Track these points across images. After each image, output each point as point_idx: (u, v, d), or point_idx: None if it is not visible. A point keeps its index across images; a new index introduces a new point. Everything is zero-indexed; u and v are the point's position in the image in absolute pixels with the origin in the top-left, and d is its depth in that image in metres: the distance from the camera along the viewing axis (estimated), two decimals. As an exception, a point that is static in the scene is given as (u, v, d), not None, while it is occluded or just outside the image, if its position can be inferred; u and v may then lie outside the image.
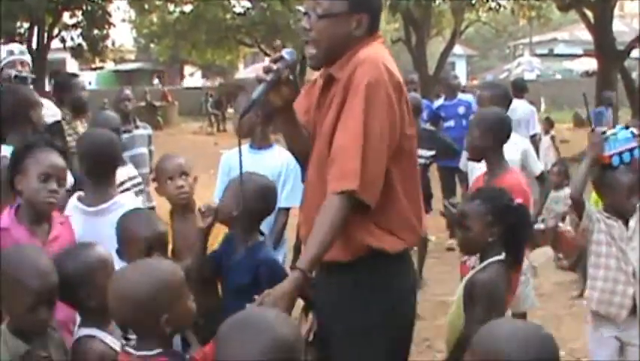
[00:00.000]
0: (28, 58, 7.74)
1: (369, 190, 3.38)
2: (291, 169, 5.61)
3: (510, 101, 7.14)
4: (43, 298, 3.30)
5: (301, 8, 3.65)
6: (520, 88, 12.81)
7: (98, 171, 4.81)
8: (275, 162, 5.65)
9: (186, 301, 3.16)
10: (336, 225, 3.36)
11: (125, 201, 4.75)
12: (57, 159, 4.20)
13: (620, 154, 5.07)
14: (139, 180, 6.16)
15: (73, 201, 4.75)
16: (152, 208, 5.28)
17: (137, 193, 5.72)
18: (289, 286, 3.27)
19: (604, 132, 5.19)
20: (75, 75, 8.76)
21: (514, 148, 6.50)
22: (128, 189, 5.61)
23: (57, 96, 7.75)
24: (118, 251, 4.08)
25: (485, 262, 4.38)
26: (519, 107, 11.29)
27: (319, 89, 3.71)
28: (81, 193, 4.85)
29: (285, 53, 3.55)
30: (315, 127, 3.70)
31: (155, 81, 48.23)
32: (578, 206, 5.20)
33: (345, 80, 3.47)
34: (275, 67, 3.46)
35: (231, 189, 4.39)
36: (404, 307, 3.76)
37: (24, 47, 8.31)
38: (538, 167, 6.99)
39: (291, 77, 3.57)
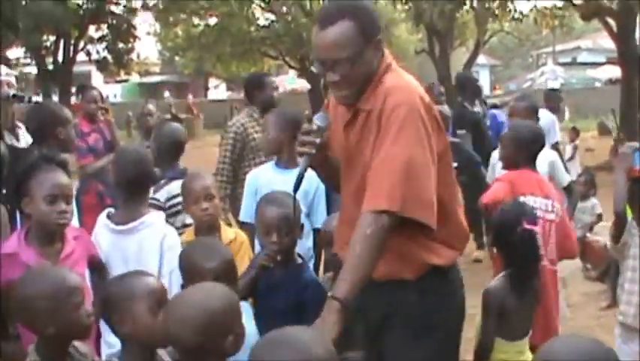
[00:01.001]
0: (13, 79, 7.78)
1: (422, 210, 3.41)
2: (320, 190, 5.64)
3: (537, 112, 7.20)
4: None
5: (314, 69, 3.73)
6: (552, 99, 12.79)
7: (130, 187, 4.84)
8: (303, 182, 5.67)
9: (242, 323, 3.15)
10: (374, 246, 3.34)
11: (154, 220, 4.77)
12: (61, 178, 4.16)
13: None
14: None
15: (102, 218, 4.81)
16: (189, 225, 5.28)
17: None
18: (333, 318, 3.23)
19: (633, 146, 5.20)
20: (267, 74, 8.74)
21: (542, 159, 6.53)
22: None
23: (248, 94, 7.87)
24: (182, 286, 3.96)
25: (497, 276, 4.54)
26: (541, 117, 11.33)
27: (344, 121, 3.70)
28: (111, 210, 4.91)
29: (318, 119, 3.64)
30: (344, 156, 3.76)
31: (166, 94, 48.01)
32: (620, 221, 5.20)
33: (377, 110, 3.50)
34: (311, 140, 3.59)
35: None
36: (461, 316, 3.86)
37: (8, 69, 8.45)
38: (565, 178, 7.03)
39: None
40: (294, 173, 5.55)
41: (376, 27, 3.60)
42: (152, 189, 5.53)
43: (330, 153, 3.79)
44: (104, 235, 4.73)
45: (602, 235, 10.35)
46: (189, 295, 3.19)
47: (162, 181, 5.87)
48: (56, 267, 3.76)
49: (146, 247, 4.61)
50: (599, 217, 10.81)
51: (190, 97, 46.93)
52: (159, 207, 5.63)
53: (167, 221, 5.31)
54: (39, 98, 30.46)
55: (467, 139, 10.08)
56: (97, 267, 4.50)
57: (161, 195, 5.81)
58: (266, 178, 5.68)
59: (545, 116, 11.93)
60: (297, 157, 5.64)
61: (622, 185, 5.12)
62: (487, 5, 24.85)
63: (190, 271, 3.93)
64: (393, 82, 3.56)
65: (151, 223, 4.71)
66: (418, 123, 3.42)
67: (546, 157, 6.74)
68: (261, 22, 37.16)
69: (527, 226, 4.52)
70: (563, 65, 55.37)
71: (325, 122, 3.64)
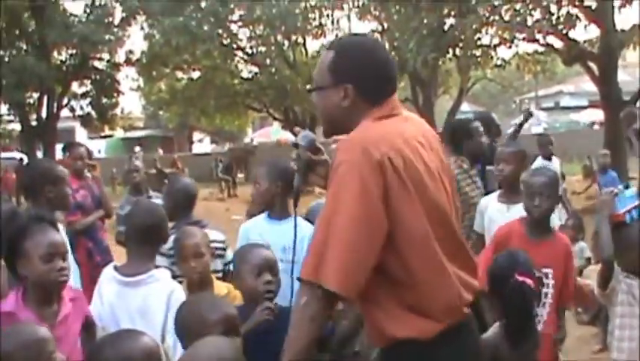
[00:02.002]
0: None
1: (333, 279, 3.16)
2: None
3: (524, 157, 7.17)
4: None
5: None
6: (544, 144, 12.91)
7: (140, 239, 4.85)
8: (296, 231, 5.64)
9: None
10: (306, 316, 3.24)
11: (161, 276, 4.76)
12: (55, 236, 4.14)
13: (629, 212, 5.07)
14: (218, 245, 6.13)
15: (109, 270, 4.79)
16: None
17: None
18: None
19: (612, 191, 5.20)
20: (471, 120, 8.42)
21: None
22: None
23: (454, 143, 7.47)
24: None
25: (493, 326, 4.49)
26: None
27: None
28: (117, 263, 4.93)
29: (301, 138, 3.71)
30: None
31: (137, 148, 47.64)
32: (607, 268, 5.17)
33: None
34: (294, 156, 3.64)
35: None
36: None
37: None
38: (555, 223, 6.99)
39: (322, 156, 3.70)
40: (287, 224, 5.59)
41: (347, 73, 3.49)
42: None
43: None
44: (110, 285, 4.71)
45: (592, 279, 10.34)
46: (202, 349, 3.19)
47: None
48: (28, 323, 3.74)
49: (151, 302, 4.61)
50: (588, 261, 10.82)
51: (160, 151, 46.90)
52: (164, 254, 5.69)
53: (171, 267, 5.49)
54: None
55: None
56: (88, 325, 4.40)
57: (167, 243, 5.75)
58: (259, 230, 5.64)
59: (557, 163, 12.17)
60: (289, 208, 5.64)
61: (606, 232, 5.10)
62: (469, 53, 24.95)
63: (194, 325, 3.83)
64: (350, 135, 3.42)
65: (158, 278, 4.72)
66: (350, 184, 3.21)
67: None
68: (245, 74, 37.30)
69: (520, 278, 4.45)
70: (546, 109, 55.71)
71: (306, 141, 3.70)
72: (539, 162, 12.37)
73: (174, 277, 5.24)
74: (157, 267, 4.90)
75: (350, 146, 3.32)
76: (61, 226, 4.88)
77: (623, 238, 5.10)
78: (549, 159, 12.35)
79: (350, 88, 3.47)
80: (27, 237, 4.04)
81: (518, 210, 6.16)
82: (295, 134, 3.92)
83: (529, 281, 4.47)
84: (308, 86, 4.12)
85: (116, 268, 4.78)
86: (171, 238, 5.82)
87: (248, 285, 4.49)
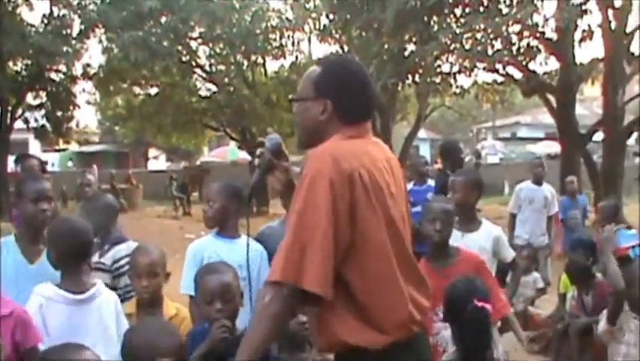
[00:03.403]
0: None
1: (314, 280, 3.28)
2: (264, 259, 5.52)
3: (479, 186, 7.11)
4: None
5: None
6: (533, 168, 12.93)
7: (73, 258, 4.70)
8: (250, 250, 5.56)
9: None
10: (269, 315, 3.33)
11: (102, 285, 4.77)
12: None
13: (632, 248, 5.15)
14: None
15: (49, 289, 4.58)
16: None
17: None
18: None
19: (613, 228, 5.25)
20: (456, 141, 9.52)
21: (486, 236, 6.50)
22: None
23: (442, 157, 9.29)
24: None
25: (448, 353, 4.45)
26: (545, 189, 12.33)
27: None
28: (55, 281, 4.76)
29: (267, 139, 3.82)
30: None
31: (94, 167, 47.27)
32: (618, 301, 5.16)
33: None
34: (258, 153, 3.79)
35: None
36: None
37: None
38: (510, 254, 6.93)
39: (284, 163, 3.85)
40: (239, 242, 5.51)
41: (329, 90, 3.64)
42: (97, 255, 6.12)
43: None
44: (58, 307, 4.52)
45: (543, 309, 10.40)
46: None
47: (105, 247, 6.39)
48: None
49: (105, 313, 4.61)
50: (542, 291, 10.91)
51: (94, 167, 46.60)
52: (106, 270, 6.16)
53: (112, 282, 6.00)
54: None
55: None
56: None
57: (107, 259, 6.25)
58: (211, 249, 5.58)
59: (548, 189, 12.25)
60: (238, 227, 5.67)
61: (614, 265, 5.13)
62: (429, 80, 25.03)
63: (143, 352, 3.86)
64: (321, 147, 3.55)
65: (103, 288, 4.73)
66: (320, 190, 3.34)
67: (490, 233, 6.67)
68: (203, 92, 37.19)
69: (478, 304, 4.38)
70: (503, 139, 56.20)
71: (272, 142, 3.86)
72: (528, 186, 12.37)
73: (113, 289, 5.38)
74: None
75: (321, 156, 3.45)
76: None
77: (628, 273, 5.13)
78: (539, 183, 12.31)
79: (329, 103, 3.63)
80: None
81: (473, 238, 6.12)
82: (251, 155, 4.02)
83: (487, 307, 4.43)
84: (290, 96, 4.22)
85: (59, 286, 4.61)
86: (110, 254, 6.29)
87: (202, 311, 4.45)
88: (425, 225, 5.64)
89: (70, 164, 54.25)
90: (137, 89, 36.49)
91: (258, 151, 3.88)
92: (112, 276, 6.31)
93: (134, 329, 4.14)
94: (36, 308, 4.44)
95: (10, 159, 27.63)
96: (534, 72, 23.61)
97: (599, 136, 22.21)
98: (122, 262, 6.14)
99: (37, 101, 34.86)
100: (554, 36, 22.09)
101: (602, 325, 5.47)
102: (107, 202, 7.13)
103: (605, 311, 5.65)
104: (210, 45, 33.17)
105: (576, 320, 8.83)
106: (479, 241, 6.33)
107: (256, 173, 3.90)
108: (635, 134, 15.72)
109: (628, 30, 21.12)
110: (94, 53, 70.41)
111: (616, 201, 13.60)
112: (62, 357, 3.43)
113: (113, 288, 6.20)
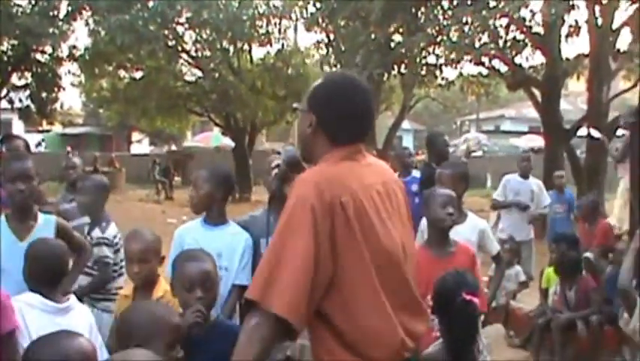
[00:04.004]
0: None
1: (284, 305, 3.21)
2: (248, 247, 5.57)
3: (465, 179, 7.16)
4: None
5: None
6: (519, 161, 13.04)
7: (53, 280, 4.78)
8: (232, 238, 5.60)
9: None
10: (253, 338, 3.23)
11: (77, 303, 4.89)
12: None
13: None
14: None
15: (28, 297, 4.66)
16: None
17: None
18: None
19: None
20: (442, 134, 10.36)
21: (472, 228, 6.54)
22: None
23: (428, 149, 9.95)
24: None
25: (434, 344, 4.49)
26: (532, 182, 12.68)
27: None
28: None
29: (283, 150, 3.90)
30: None
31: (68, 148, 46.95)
32: (624, 298, 5.22)
33: None
34: (274, 163, 3.92)
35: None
36: None
37: None
38: (495, 247, 6.99)
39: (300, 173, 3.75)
40: (224, 229, 5.57)
41: (317, 104, 3.62)
42: (97, 230, 6.90)
43: None
44: (36, 313, 4.59)
45: (525, 303, 10.44)
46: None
47: (103, 223, 7.00)
48: None
49: (80, 325, 4.56)
50: (524, 285, 10.96)
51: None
52: (110, 245, 6.83)
53: (113, 255, 6.82)
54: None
55: None
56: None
57: (109, 234, 6.91)
58: (193, 235, 5.64)
59: (535, 182, 12.35)
60: (225, 214, 5.73)
61: (628, 264, 5.19)
62: (415, 71, 25.03)
63: (146, 328, 3.80)
64: (307, 172, 3.56)
65: (77, 303, 4.85)
66: (301, 216, 3.29)
67: (476, 225, 6.72)
68: (188, 77, 37.07)
69: (467, 297, 4.44)
70: (487, 132, 56.26)
71: (286, 155, 4.00)
72: (515, 178, 12.46)
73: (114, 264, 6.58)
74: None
75: (306, 182, 3.40)
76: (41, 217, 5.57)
77: None
78: (525, 177, 12.42)
79: (314, 118, 3.60)
80: None
81: (459, 231, 6.16)
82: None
83: (475, 300, 4.48)
84: (295, 105, 4.17)
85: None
86: (110, 229, 6.93)
87: (181, 298, 4.44)
88: (435, 210, 5.68)
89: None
90: (122, 73, 36.30)
91: (275, 163, 4.03)
92: (114, 250, 6.86)
93: (135, 306, 4.20)
94: (17, 311, 4.48)
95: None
96: (520, 66, 23.64)
97: (583, 131, 22.26)
98: (119, 236, 6.83)
99: (22, 82, 34.72)
100: (541, 30, 22.12)
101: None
102: (99, 181, 7.49)
103: (636, 312, 5.67)
104: (197, 30, 32.98)
105: (559, 315, 8.91)
106: (465, 234, 6.36)
107: (275, 181, 4.13)
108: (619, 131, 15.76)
109: (614, 26, 21.18)
110: (80, 35, 69.98)
111: (595, 196, 13.67)
112: (55, 345, 3.32)
113: (114, 263, 6.92)
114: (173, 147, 55.27)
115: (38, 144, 50.37)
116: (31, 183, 5.26)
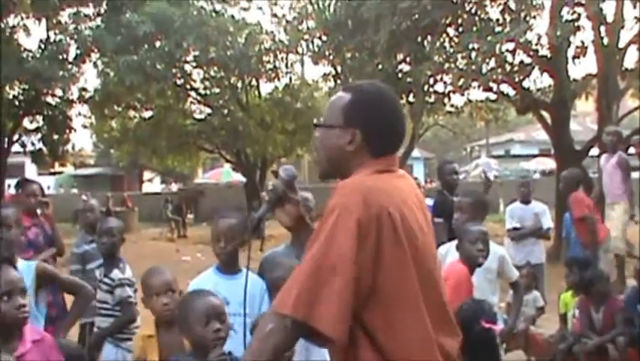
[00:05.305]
0: None
1: (327, 322, 3.07)
2: (264, 291, 5.52)
3: (485, 208, 7.19)
4: None
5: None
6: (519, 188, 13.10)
7: None
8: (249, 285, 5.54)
9: None
10: (270, 344, 3.14)
11: None
12: (11, 274, 4.17)
13: None
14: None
15: None
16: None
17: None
18: None
19: None
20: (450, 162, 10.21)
21: (492, 255, 6.53)
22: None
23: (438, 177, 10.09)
24: None
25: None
26: (534, 206, 12.58)
27: None
28: None
29: (282, 170, 3.66)
30: None
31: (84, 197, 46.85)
32: None
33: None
34: (271, 187, 3.59)
35: None
36: None
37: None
38: (514, 273, 7.01)
39: (296, 196, 3.66)
40: (240, 278, 5.53)
41: (360, 119, 3.45)
42: (116, 272, 6.98)
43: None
44: None
45: (544, 328, 10.36)
46: None
47: (121, 265, 7.13)
48: None
49: None
50: (541, 310, 10.86)
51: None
52: (130, 285, 6.92)
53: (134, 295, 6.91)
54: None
55: (444, 228, 9.44)
56: None
57: (129, 274, 7.06)
58: (211, 284, 5.49)
59: (538, 206, 12.36)
60: (238, 262, 5.63)
61: None
62: (423, 100, 25.07)
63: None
64: (350, 179, 3.39)
65: None
66: (346, 229, 3.12)
67: (495, 252, 6.72)
68: (197, 115, 37.17)
69: (486, 325, 4.44)
70: (497, 157, 56.27)
71: (287, 173, 3.68)
72: (517, 206, 12.48)
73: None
74: None
75: (350, 191, 3.25)
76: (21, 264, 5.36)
77: None
78: (526, 202, 12.44)
79: (358, 134, 3.45)
80: None
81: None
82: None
83: (494, 328, 4.49)
84: (315, 120, 3.99)
85: None
86: (128, 270, 7.08)
87: (196, 333, 4.39)
88: (467, 247, 5.69)
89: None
90: (131, 113, 36.43)
91: (270, 185, 3.80)
92: (134, 290, 6.94)
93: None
94: None
95: (8, 183, 27.69)
96: (528, 89, 23.64)
97: (594, 151, 22.16)
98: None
99: (33, 125, 34.83)
100: (548, 53, 22.13)
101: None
102: (119, 223, 7.61)
103: None
104: (204, 68, 33.12)
105: (586, 340, 8.79)
106: (485, 261, 6.36)
107: (263, 206, 3.68)
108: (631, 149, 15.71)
109: (621, 45, 21.17)
110: (89, 77, 70.34)
111: (579, 171, 13.67)
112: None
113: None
114: (184, 185, 55.33)
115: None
116: (9, 231, 5.29)
